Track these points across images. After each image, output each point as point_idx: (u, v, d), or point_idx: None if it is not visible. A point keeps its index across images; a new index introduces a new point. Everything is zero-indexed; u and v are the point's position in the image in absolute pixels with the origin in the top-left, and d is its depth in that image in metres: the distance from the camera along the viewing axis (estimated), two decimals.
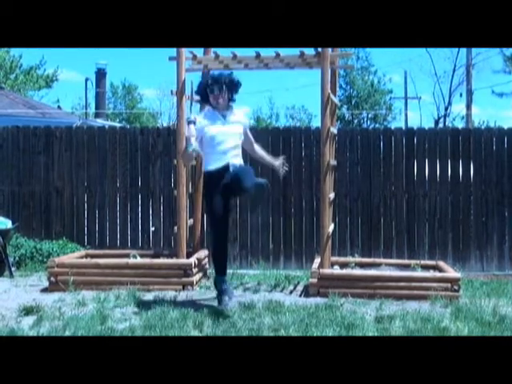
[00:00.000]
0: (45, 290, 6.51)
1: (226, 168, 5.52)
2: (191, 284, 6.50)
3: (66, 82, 55.11)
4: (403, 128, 9.79)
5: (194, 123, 5.56)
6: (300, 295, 6.36)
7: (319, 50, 6.41)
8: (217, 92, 5.62)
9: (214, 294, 6.31)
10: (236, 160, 5.62)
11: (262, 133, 8.55)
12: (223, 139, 5.58)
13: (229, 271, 7.56)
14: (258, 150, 6.11)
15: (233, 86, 5.71)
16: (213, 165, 5.58)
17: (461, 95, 28.18)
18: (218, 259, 5.67)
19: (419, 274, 6.63)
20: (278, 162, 6.06)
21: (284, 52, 6.67)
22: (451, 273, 6.50)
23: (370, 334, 4.60)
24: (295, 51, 6.60)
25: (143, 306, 5.64)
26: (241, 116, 5.92)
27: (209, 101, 5.73)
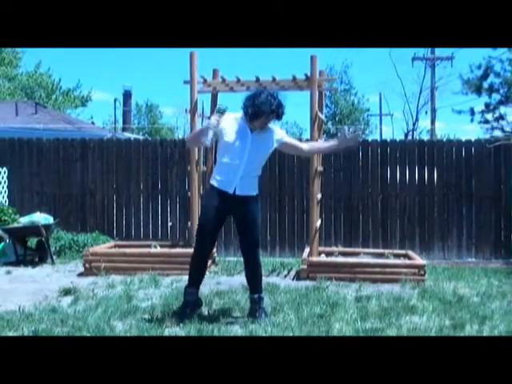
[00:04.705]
0: (81, 275, 6.51)
1: (234, 196, 4.23)
2: None
3: (98, 102, 55.14)
4: (378, 140, 9.79)
5: (223, 113, 4.23)
6: (293, 279, 6.36)
7: (308, 75, 6.43)
8: (270, 121, 4.28)
9: (221, 277, 6.32)
10: (246, 185, 4.26)
11: None
12: (239, 154, 4.19)
13: (233, 259, 7.58)
14: (312, 147, 4.60)
15: (280, 118, 4.38)
16: (220, 180, 4.26)
17: (426, 113, 28.04)
18: (194, 271, 4.41)
19: (391, 261, 6.63)
20: (339, 141, 4.35)
21: (279, 76, 6.68)
22: (418, 260, 6.50)
23: (351, 312, 4.60)
24: (289, 75, 6.62)
25: (162, 288, 5.65)
26: (273, 133, 4.36)
27: (252, 118, 4.21)
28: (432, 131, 24.28)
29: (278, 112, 4.23)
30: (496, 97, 17.62)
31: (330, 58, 45.65)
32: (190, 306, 4.35)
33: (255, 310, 4.36)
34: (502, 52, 16.65)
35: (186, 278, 6.09)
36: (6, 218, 7.73)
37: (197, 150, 6.70)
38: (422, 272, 6.11)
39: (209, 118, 6.74)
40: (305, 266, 6.26)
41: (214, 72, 7.05)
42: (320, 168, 6.81)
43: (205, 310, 4.59)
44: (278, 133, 4.42)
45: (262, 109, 4.15)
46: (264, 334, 3.92)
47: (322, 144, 4.61)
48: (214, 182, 4.32)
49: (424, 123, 33.24)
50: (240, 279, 6.11)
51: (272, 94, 4.26)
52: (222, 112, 4.25)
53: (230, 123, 4.26)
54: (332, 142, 4.62)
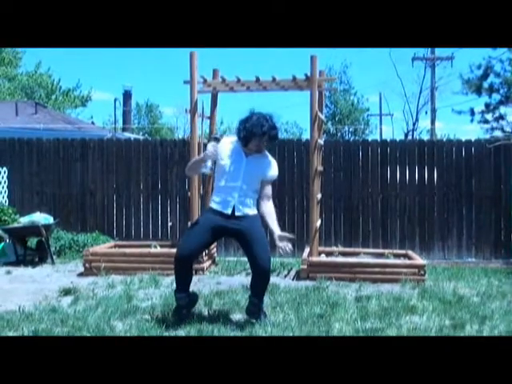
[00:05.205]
0: (81, 275, 6.51)
1: (232, 216, 4.19)
2: (202, 269, 6.50)
3: (98, 102, 54.94)
4: (378, 140, 9.79)
5: (218, 141, 4.32)
6: (293, 279, 6.36)
7: (308, 75, 6.44)
8: (264, 142, 4.24)
9: (221, 277, 6.32)
10: (244, 205, 4.22)
11: None
12: (235, 177, 4.19)
13: (233, 259, 7.59)
14: (269, 207, 4.31)
15: (276, 139, 4.37)
16: (218, 202, 4.24)
17: (426, 113, 27.99)
18: (179, 277, 4.27)
19: (392, 261, 6.64)
20: (278, 234, 4.16)
21: (279, 76, 6.68)
22: (418, 260, 6.50)
23: (351, 311, 4.60)
24: (289, 75, 6.63)
25: (162, 287, 5.64)
26: (269, 165, 4.34)
27: (244, 141, 4.22)
28: (432, 131, 24.26)
29: (270, 134, 4.20)
30: (496, 97, 17.62)
31: (329, 58, 45.62)
32: (183, 307, 4.34)
33: (254, 311, 4.32)
34: (502, 52, 16.67)
35: None
36: (6, 217, 7.74)
37: (197, 149, 6.69)
38: (422, 272, 6.11)
39: (208, 117, 6.71)
40: (305, 266, 6.26)
41: (214, 72, 7.05)
42: (320, 168, 6.81)
43: (205, 310, 4.60)
44: (270, 169, 4.34)
45: (253, 131, 4.15)
46: (264, 334, 3.92)
47: (271, 218, 4.27)
48: (212, 205, 4.30)
49: (424, 123, 33.17)
50: (240, 279, 6.12)
51: (265, 117, 4.23)
52: (217, 140, 4.29)
53: (226, 147, 4.28)
54: (274, 228, 4.22)
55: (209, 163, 4.28)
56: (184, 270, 4.24)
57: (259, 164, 4.29)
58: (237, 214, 4.19)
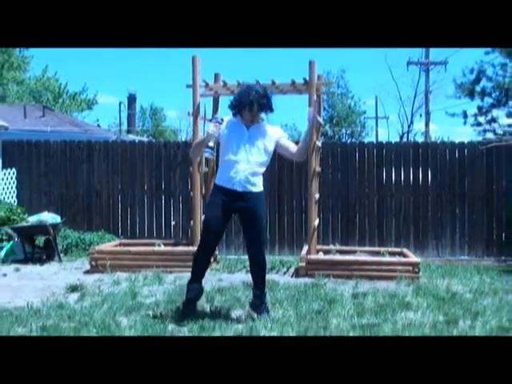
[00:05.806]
0: (87, 272, 6.52)
1: (236, 193, 4.15)
2: None
3: (103, 105, 54.83)
4: (374, 142, 9.80)
5: (221, 123, 4.23)
6: (292, 276, 6.37)
7: (307, 79, 6.45)
8: (256, 111, 4.19)
9: (223, 275, 6.33)
10: (247, 182, 4.16)
11: None
12: (238, 151, 4.15)
13: (234, 257, 7.60)
14: (296, 149, 4.36)
15: (269, 108, 4.29)
16: (222, 178, 4.22)
17: (420, 116, 27.95)
18: (197, 266, 4.34)
19: (387, 259, 6.64)
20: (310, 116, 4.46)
21: (279, 80, 6.69)
22: (413, 258, 6.51)
23: (348, 308, 4.60)
24: (288, 80, 6.64)
25: (166, 284, 5.65)
26: (268, 129, 4.32)
27: (236, 112, 4.27)
28: (426, 133, 24.21)
29: (259, 102, 4.14)
30: (488, 100, 17.64)
31: (327, 63, 45.61)
32: (192, 302, 4.32)
33: (258, 304, 4.32)
34: (494, 57, 16.69)
35: (188, 274, 6.11)
36: (15, 217, 7.75)
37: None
38: (417, 269, 6.12)
39: (210, 120, 6.73)
40: (303, 264, 6.26)
41: (216, 76, 7.06)
42: (318, 169, 6.82)
43: (207, 307, 4.60)
44: (275, 132, 4.37)
45: (241, 101, 4.17)
46: (264, 330, 3.93)
47: (300, 144, 4.40)
48: (216, 181, 4.30)
49: (418, 126, 33.23)
50: (241, 276, 6.13)
51: (254, 88, 4.21)
52: (219, 122, 4.25)
53: (227, 124, 4.27)
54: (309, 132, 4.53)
55: (211, 143, 4.21)
56: (207, 257, 4.32)
57: (261, 133, 4.26)
58: (239, 189, 4.16)
